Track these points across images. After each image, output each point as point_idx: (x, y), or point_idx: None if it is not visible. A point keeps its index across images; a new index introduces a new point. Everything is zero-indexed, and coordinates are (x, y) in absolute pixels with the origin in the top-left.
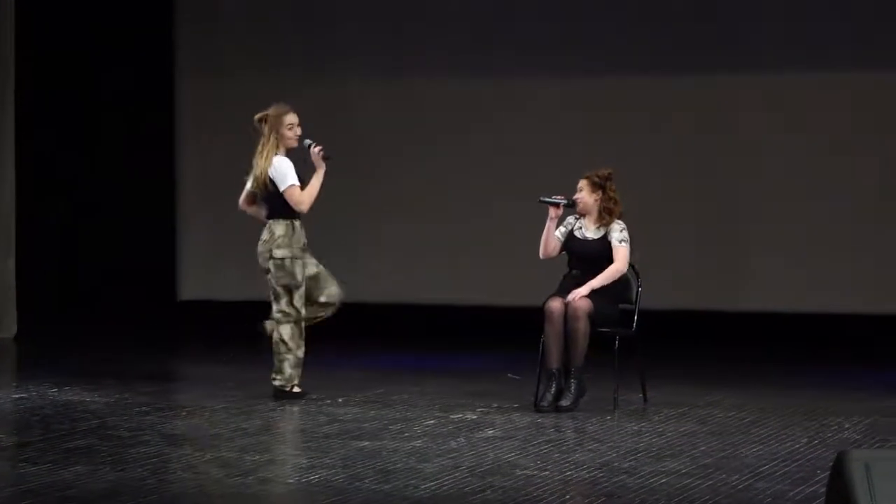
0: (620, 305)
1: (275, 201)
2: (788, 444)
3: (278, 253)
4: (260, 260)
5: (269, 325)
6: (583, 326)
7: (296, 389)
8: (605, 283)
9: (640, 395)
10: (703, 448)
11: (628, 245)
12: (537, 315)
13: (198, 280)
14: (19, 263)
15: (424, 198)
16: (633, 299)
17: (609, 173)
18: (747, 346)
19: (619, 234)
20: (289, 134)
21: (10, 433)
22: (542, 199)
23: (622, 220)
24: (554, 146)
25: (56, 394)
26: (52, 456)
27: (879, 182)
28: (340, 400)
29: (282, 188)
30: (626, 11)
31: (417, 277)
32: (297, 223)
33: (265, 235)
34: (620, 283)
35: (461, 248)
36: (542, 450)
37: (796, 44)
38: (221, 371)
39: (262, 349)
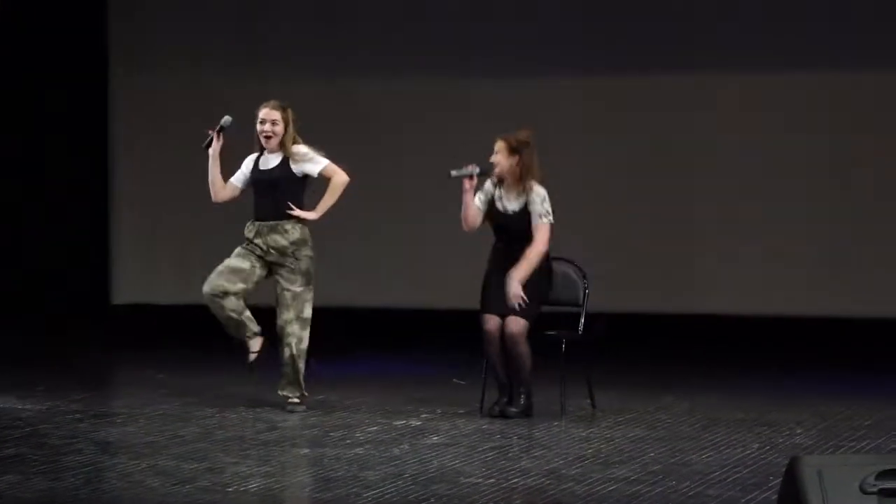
0: (566, 308)
1: (292, 197)
2: (740, 450)
3: (310, 252)
4: (272, 258)
5: (255, 343)
6: (523, 350)
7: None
8: (531, 269)
9: (588, 401)
10: (652, 454)
11: (549, 220)
12: (474, 319)
13: (132, 283)
14: None
15: (374, 199)
16: (581, 300)
17: (527, 138)
18: (697, 349)
19: (539, 208)
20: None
21: None
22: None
23: (544, 186)
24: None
25: None
26: None
27: (837, 180)
28: (280, 407)
29: (320, 169)
30: (599, 9)
31: (363, 279)
32: None
33: (296, 234)
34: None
35: (408, 249)
36: (487, 457)
37: (757, 42)
38: (158, 377)
39: (200, 354)
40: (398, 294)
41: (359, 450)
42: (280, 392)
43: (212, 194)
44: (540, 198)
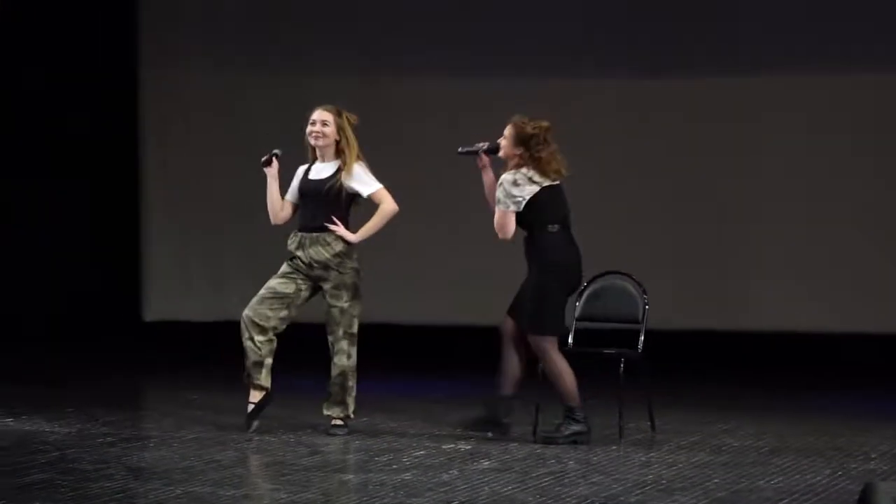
0: (623, 325)
1: (337, 211)
2: (810, 476)
3: (354, 265)
4: (316, 272)
5: (256, 395)
6: (547, 368)
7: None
8: None
9: (648, 423)
10: (716, 480)
11: (502, 206)
12: None
13: (163, 300)
14: None
15: (412, 211)
16: (638, 317)
17: (535, 131)
18: (764, 369)
19: (496, 194)
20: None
21: None
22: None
23: (558, 178)
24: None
25: (12, 423)
26: (7, 492)
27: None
28: (321, 429)
29: (370, 192)
30: (621, 12)
31: (407, 297)
32: None
33: (338, 247)
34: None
35: (455, 268)
36: (542, 483)
37: (802, 46)
38: (192, 397)
39: (235, 373)
40: (444, 311)
41: (406, 475)
42: (325, 412)
43: (271, 217)
44: (498, 183)
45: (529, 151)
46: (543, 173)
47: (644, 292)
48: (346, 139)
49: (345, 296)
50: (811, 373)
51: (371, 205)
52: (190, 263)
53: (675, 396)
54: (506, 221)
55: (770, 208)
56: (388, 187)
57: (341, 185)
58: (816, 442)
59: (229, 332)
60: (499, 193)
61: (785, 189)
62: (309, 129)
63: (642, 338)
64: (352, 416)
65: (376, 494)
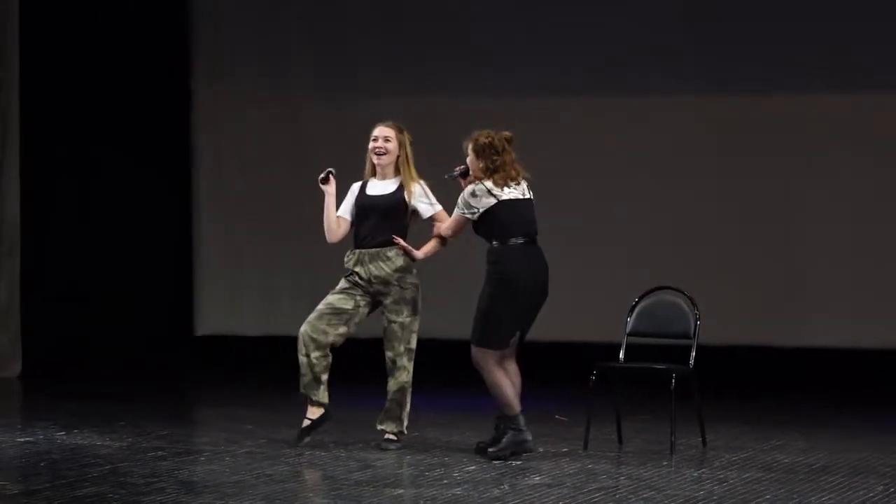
0: (674, 340)
1: (398, 227)
2: (862, 493)
3: (415, 280)
4: (376, 287)
5: (315, 411)
6: (485, 378)
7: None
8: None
9: (699, 439)
10: (768, 496)
11: (456, 211)
12: (584, 350)
13: (216, 314)
14: (24, 297)
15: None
16: (690, 332)
17: (488, 140)
18: (814, 384)
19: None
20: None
21: (16, 480)
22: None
23: (528, 185)
24: (585, 167)
25: (64, 437)
26: None
27: None
28: (373, 444)
29: (432, 213)
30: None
31: (449, 309)
32: None
33: (399, 262)
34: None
35: None
36: (593, 498)
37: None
38: (243, 412)
39: (286, 388)
40: None
41: (457, 490)
42: (379, 426)
43: (328, 235)
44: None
45: (486, 161)
46: (503, 182)
47: (696, 307)
48: (407, 156)
49: (405, 311)
50: (863, 389)
51: (422, 224)
52: (242, 278)
53: (726, 412)
54: (458, 226)
55: (827, 225)
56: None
57: (405, 201)
58: (869, 458)
59: (281, 346)
60: (459, 199)
61: (840, 203)
62: (372, 145)
63: (694, 353)
64: (405, 431)
65: None
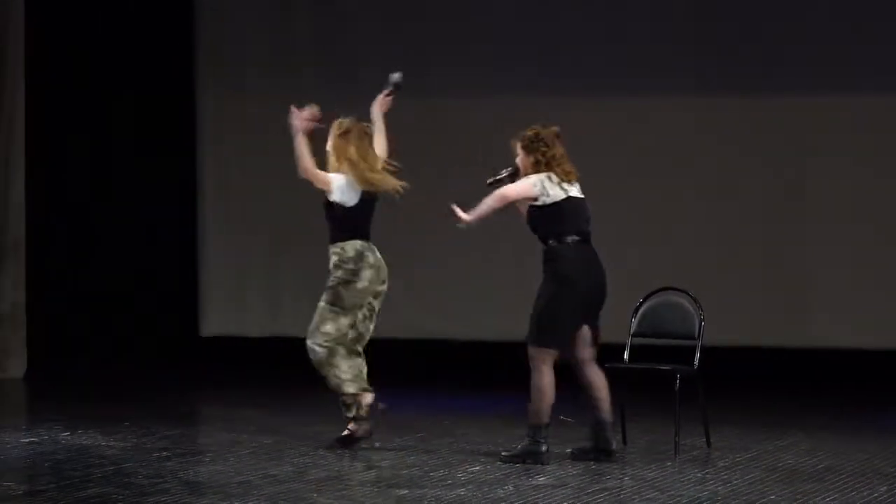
0: (679, 341)
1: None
2: (866, 493)
3: (341, 275)
4: (371, 290)
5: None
6: (532, 380)
7: None
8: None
9: (703, 439)
10: (772, 497)
11: (525, 181)
12: None
13: (222, 314)
14: (29, 297)
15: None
16: (695, 333)
17: (535, 133)
18: (818, 385)
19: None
20: None
21: (21, 481)
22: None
23: (573, 181)
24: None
25: (69, 438)
26: None
27: None
28: (377, 444)
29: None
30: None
31: (453, 312)
32: None
33: (333, 259)
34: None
35: (501, 281)
36: (596, 499)
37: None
38: (248, 413)
39: (291, 389)
40: (496, 325)
41: (461, 490)
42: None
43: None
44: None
45: (536, 155)
46: (565, 176)
47: (700, 308)
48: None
49: (325, 296)
50: (868, 390)
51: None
52: (247, 279)
53: (730, 413)
54: (524, 190)
55: (832, 226)
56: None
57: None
58: (873, 459)
59: (286, 347)
60: (532, 176)
61: (849, 205)
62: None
63: (698, 354)
64: (351, 391)
65: None
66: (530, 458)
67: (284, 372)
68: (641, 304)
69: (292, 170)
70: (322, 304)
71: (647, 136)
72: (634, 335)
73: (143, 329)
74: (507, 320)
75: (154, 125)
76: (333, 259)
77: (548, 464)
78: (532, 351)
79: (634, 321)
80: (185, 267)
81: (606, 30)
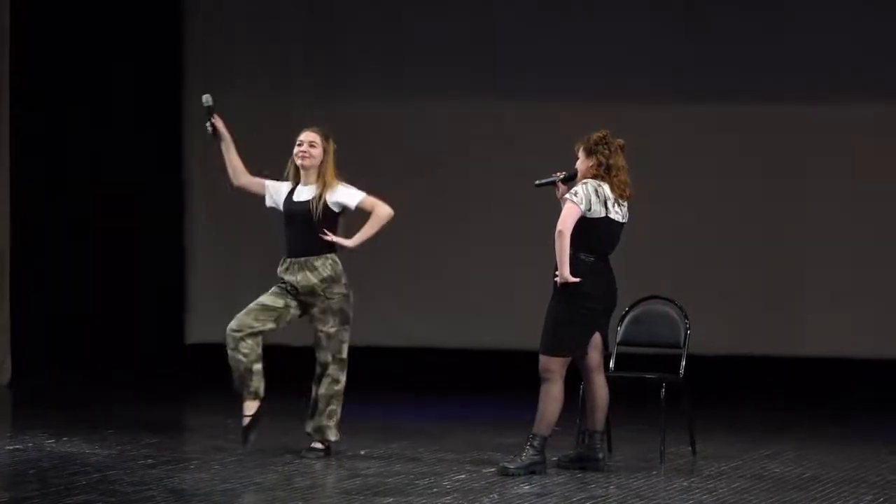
0: (664, 350)
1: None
2: (852, 502)
3: (342, 290)
4: (303, 297)
5: (251, 406)
6: (542, 389)
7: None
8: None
9: (689, 448)
10: None
11: (571, 199)
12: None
13: (207, 322)
14: (13, 303)
15: (441, 229)
16: (680, 341)
17: (603, 137)
18: (804, 394)
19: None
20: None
21: (4, 488)
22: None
23: (625, 195)
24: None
25: (53, 445)
26: None
27: None
28: (362, 452)
29: (358, 201)
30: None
31: (436, 320)
32: None
33: (325, 272)
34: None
35: (488, 290)
36: None
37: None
38: (232, 420)
39: (276, 397)
40: (484, 335)
41: (446, 498)
42: (307, 431)
43: (231, 177)
44: (581, 183)
45: (598, 157)
46: (619, 193)
47: (686, 317)
48: (328, 162)
49: (331, 321)
50: (855, 399)
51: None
52: (233, 287)
53: (716, 422)
54: (568, 213)
55: (816, 233)
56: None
57: (326, 202)
58: (859, 468)
59: (271, 355)
60: (579, 188)
61: (832, 214)
62: (296, 150)
63: (684, 363)
64: (332, 440)
65: None
66: (536, 468)
67: (270, 380)
68: (627, 312)
69: (281, 173)
70: (333, 329)
71: (637, 141)
72: (620, 343)
73: (129, 336)
74: (495, 329)
75: (141, 131)
76: (325, 273)
77: (545, 474)
78: (544, 361)
79: (620, 329)
80: (171, 274)
81: (604, 33)
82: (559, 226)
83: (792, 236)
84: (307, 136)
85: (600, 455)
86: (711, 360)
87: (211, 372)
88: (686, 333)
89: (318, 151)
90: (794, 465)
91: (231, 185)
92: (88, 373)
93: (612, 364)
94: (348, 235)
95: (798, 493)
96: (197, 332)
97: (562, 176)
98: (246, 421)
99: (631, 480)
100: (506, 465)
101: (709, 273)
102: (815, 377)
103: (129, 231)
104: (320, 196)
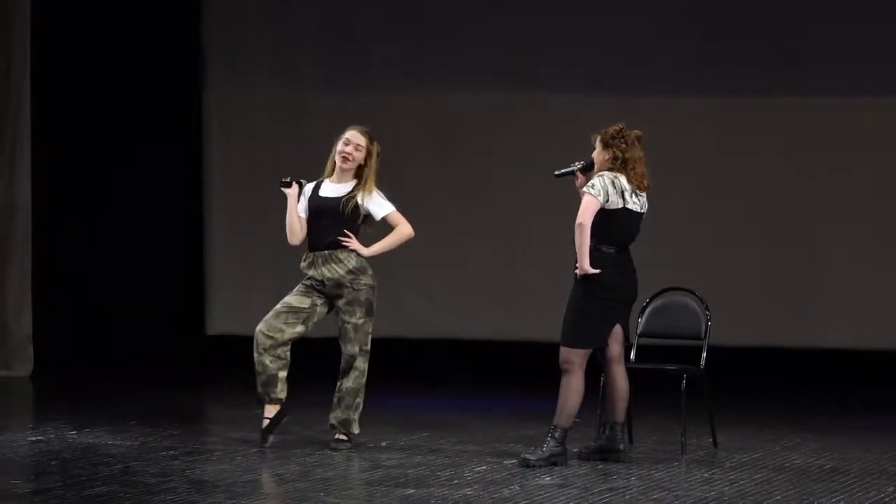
0: (685, 341)
1: (350, 229)
2: (873, 493)
3: (369, 281)
4: (329, 289)
5: (271, 409)
6: (563, 381)
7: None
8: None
9: (710, 440)
10: (779, 497)
11: (589, 192)
12: (595, 351)
13: (227, 313)
14: (35, 295)
15: (458, 221)
16: (701, 333)
17: (619, 131)
18: (825, 385)
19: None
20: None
21: (27, 479)
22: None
23: (644, 188)
24: None
25: (75, 436)
26: None
27: None
28: (384, 444)
29: (385, 214)
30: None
31: (458, 311)
32: None
33: (351, 263)
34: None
35: (506, 281)
36: (603, 499)
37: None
38: (254, 412)
39: (298, 388)
40: (505, 326)
41: (467, 490)
42: (331, 423)
43: (290, 237)
44: (597, 175)
45: (615, 150)
46: (636, 184)
47: (707, 308)
48: (371, 166)
49: (358, 312)
50: (875, 391)
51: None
52: (253, 278)
53: (737, 413)
54: (587, 205)
55: (840, 227)
56: (399, 204)
57: (357, 203)
58: (880, 460)
59: (292, 346)
60: (594, 180)
61: (853, 205)
62: (341, 148)
63: (705, 354)
64: (356, 432)
65: None
66: (557, 460)
67: (291, 371)
68: (648, 304)
69: (298, 167)
70: (360, 320)
71: (652, 135)
72: (641, 335)
73: (150, 328)
74: (516, 320)
75: (160, 123)
76: (350, 264)
77: (566, 465)
78: (564, 353)
79: (641, 321)
80: (191, 265)
81: (611, 28)
82: (579, 218)
83: (815, 227)
84: (355, 136)
85: (621, 446)
86: (732, 351)
87: (232, 363)
88: (707, 325)
89: (360, 156)
90: (815, 457)
91: (293, 244)
92: (110, 364)
93: (633, 355)
94: (365, 243)
95: (819, 485)
96: (217, 323)
97: (580, 165)
98: (265, 423)
99: (652, 472)
100: (527, 456)
101: (729, 264)
102: (837, 369)
103: (150, 224)
104: (353, 195)
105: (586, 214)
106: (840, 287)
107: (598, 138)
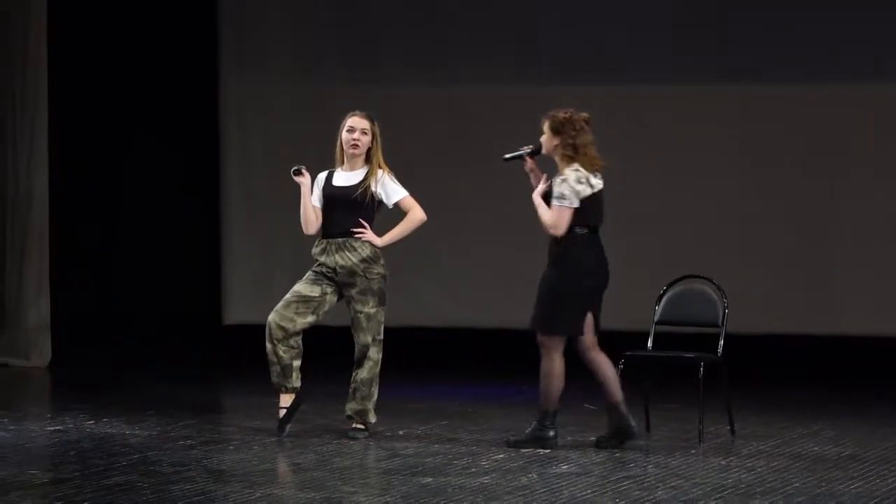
0: (703, 329)
1: (365, 217)
2: (891, 481)
3: (381, 270)
4: (342, 278)
5: (287, 398)
6: (543, 366)
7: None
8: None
9: (728, 427)
10: (796, 485)
11: (561, 203)
12: (612, 339)
13: (244, 302)
14: (53, 286)
15: (476, 212)
16: (718, 321)
17: (568, 116)
18: (842, 373)
19: (555, 189)
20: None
21: (45, 469)
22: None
23: (584, 168)
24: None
25: (93, 426)
26: (89, 494)
27: None
28: (401, 433)
29: (398, 199)
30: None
31: (475, 299)
32: None
33: (365, 252)
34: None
35: (526, 268)
36: (620, 486)
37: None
38: (271, 401)
39: (314, 376)
40: (524, 313)
41: (485, 479)
42: (347, 414)
43: (305, 227)
44: (560, 179)
45: (564, 137)
46: (591, 169)
47: (724, 296)
48: (377, 147)
49: (371, 301)
50: (893, 378)
51: (395, 216)
52: (270, 267)
53: (754, 401)
54: (564, 217)
55: (858, 211)
56: (415, 195)
57: (370, 191)
58: None
59: (308, 335)
60: (562, 189)
61: (873, 192)
62: (347, 136)
63: (722, 342)
64: (372, 421)
65: (455, 498)
66: (538, 443)
67: (308, 360)
68: (665, 291)
69: (314, 157)
70: (373, 309)
71: (669, 123)
72: (658, 323)
73: (168, 318)
74: (531, 308)
75: (178, 114)
76: (364, 253)
77: (554, 449)
78: (541, 337)
79: (658, 309)
80: (208, 255)
81: (626, 17)
82: (553, 230)
83: (832, 213)
84: (358, 122)
85: (631, 422)
86: (750, 339)
87: (249, 352)
88: (724, 312)
89: (367, 139)
90: (832, 445)
91: (308, 233)
92: (127, 354)
93: (650, 343)
94: (378, 231)
95: (836, 472)
96: (234, 312)
97: (529, 150)
98: (282, 413)
99: (669, 459)
100: (509, 437)
101: (747, 251)
102: (854, 356)
103: (167, 214)
104: (367, 184)
105: (563, 226)
106: (857, 273)
107: (548, 124)
